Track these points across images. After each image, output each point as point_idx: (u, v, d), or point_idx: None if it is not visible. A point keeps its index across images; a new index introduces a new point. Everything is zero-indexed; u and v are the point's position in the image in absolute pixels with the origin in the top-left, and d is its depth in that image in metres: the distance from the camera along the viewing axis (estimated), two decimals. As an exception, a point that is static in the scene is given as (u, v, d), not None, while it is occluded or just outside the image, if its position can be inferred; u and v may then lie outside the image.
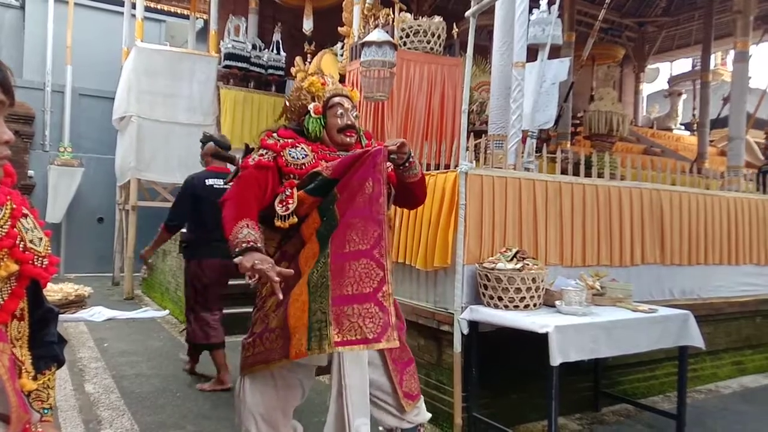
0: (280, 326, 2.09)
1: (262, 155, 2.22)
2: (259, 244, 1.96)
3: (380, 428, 2.43)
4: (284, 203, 2.17)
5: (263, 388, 2.20)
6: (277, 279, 1.89)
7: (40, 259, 1.25)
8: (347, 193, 2.12)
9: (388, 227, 2.52)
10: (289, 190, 2.18)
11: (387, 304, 2.01)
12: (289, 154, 2.21)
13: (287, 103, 2.45)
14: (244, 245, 1.93)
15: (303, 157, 2.22)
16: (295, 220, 2.16)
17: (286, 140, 2.26)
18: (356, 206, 2.09)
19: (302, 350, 1.99)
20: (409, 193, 2.45)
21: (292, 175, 2.20)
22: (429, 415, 2.51)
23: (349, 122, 2.34)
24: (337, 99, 2.35)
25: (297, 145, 2.26)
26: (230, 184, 2.33)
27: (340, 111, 2.33)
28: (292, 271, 2.02)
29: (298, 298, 2.06)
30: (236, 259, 1.92)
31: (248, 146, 2.46)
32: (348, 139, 2.35)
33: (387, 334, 1.98)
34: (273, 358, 2.12)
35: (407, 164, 2.29)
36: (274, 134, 2.30)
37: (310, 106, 2.33)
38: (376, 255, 2.03)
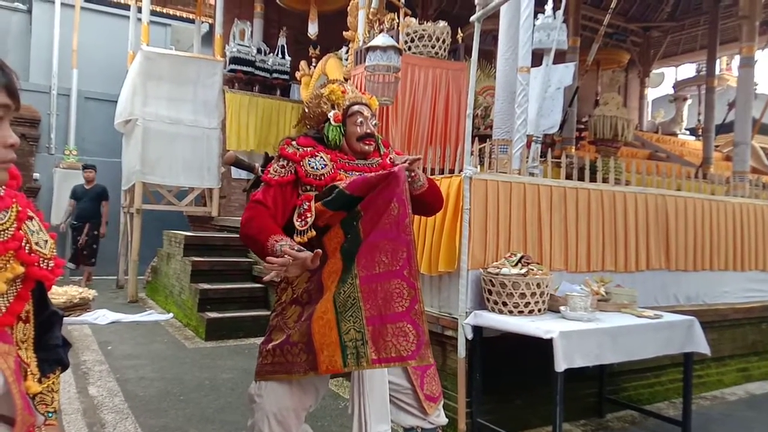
0: (303, 341, 2.11)
1: (283, 166, 2.24)
2: (294, 244, 2.04)
3: (400, 428, 2.43)
4: (302, 217, 2.19)
5: (279, 389, 2.21)
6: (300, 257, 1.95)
7: (45, 261, 1.25)
8: (371, 213, 2.13)
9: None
10: (307, 204, 2.19)
11: (419, 321, 2.07)
12: (309, 164, 2.22)
13: (306, 110, 2.45)
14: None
15: (322, 168, 2.23)
16: (314, 233, 2.17)
17: (305, 149, 2.27)
18: (382, 227, 2.11)
19: (336, 366, 2.05)
20: (419, 203, 2.45)
21: (309, 186, 2.21)
22: (446, 420, 2.52)
23: (368, 131, 2.33)
24: (356, 107, 2.35)
25: (316, 154, 2.26)
26: (251, 191, 2.35)
27: (359, 119, 2.33)
28: (319, 251, 2.03)
29: (322, 315, 2.08)
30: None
31: (267, 155, 2.47)
32: (367, 148, 2.34)
33: (421, 352, 2.06)
34: (296, 371, 2.14)
35: (410, 179, 2.27)
36: (293, 143, 2.30)
37: (330, 114, 2.33)
38: (406, 275, 2.09)
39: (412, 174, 2.27)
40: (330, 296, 2.09)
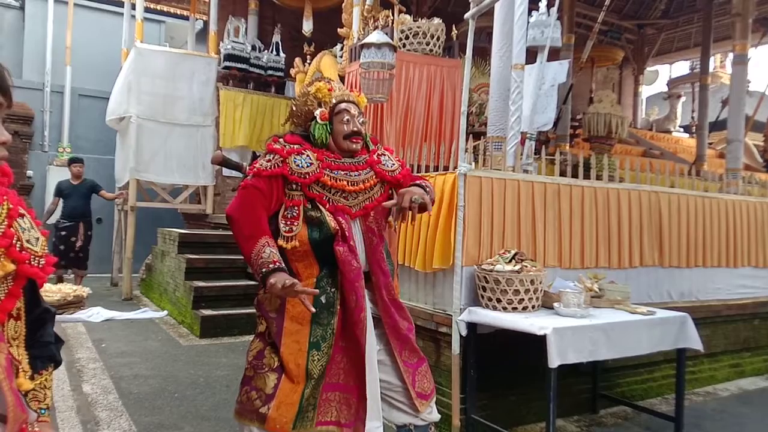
0: (265, 391, 2.17)
1: (269, 160, 2.23)
2: (282, 265, 2.03)
3: (393, 425, 2.45)
4: (290, 223, 2.20)
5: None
6: (303, 294, 1.94)
7: (36, 258, 1.25)
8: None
9: (394, 231, 2.56)
10: (296, 210, 2.20)
11: (363, 398, 2.20)
12: (294, 162, 2.22)
13: (293, 108, 2.44)
14: (271, 266, 2.00)
15: (307, 166, 2.22)
16: (297, 243, 2.19)
17: (292, 146, 2.26)
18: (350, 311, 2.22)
19: (286, 427, 2.12)
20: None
21: (295, 185, 2.21)
22: (439, 416, 2.54)
23: (355, 129, 2.32)
24: (343, 105, 2.34)
25: (303, 152, 2.26)
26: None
27: (346, 117, 2.32)
28: (316, 291, 2.07)
29: (294, 378, 2.16)
30: (269, 280, 1.98)
31: (255, 153, 2.48)
32: (354, 146, 2.33)
33: (355, 425, 2.20)
34: (250, 418, 2.18)
35: (423, 204, 2.25)
36: (281, 139, 2.30)
37: (317, 112, 2.32)
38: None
39: (425, 206, 2.25)
40: (303, 362, 2.15)
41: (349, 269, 2.19)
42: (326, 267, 2.22)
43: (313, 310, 1.92)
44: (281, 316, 2.20)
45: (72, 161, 8.34)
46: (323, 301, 2.19)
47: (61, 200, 8.10)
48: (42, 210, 9.28)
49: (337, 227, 2.20)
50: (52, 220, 8.18)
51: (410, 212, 2.21)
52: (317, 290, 2.09)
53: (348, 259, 2.20)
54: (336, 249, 2.19)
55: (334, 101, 2.34)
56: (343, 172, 2.28)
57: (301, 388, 2.13)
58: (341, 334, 2.23)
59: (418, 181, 2.37)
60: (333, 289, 2.22)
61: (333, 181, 2.24)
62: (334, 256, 2.20)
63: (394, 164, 2.43)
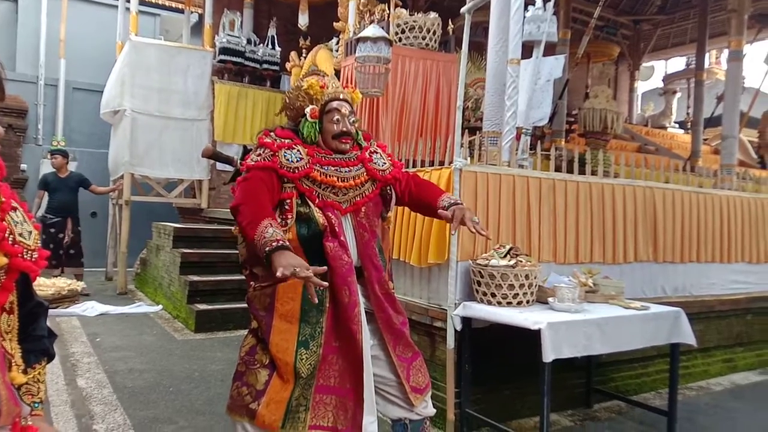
0: (255, 387, 2.16)
1: (260, 154, 2.22)
2: (287, 243, 1.93)
3: (388, 420, 2.45)
4: (284, 216, 2.19)
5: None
6: (310, 280, 1.82)
7: (29, 252, 1.24)
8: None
9: (387, 227, 2.56)
10: (289, 202, 2.19)
11: (361, 402, 2.18)
12: (284, 156, 2.20)
13: (286, 101, 2.42)
14: (274, 244, 1.89)
15: (297, 161, 2.20)
16: (290, 236, 2.17)
17: (283, 140, 2.25)
18: (342, 307, 2.21)
19: (274, 425, 2.10)
20: (429, 211, 2.52)
21: (286, 179, 2.20)
22: (434, 410, 2.53)
23: (344, 129, 2.29)
24: (335, 104, 2.30)
25: (293, 146, 2.24)
26: (230, 185, 2.35)
27: (336, 117, 2.28)
28: (325, 268, 1.98)
29: (283, 375, 2.15)
30: (272, 257, 1.86)
31: (246, 147, 2.46)
32: (343, 146, 2.31)
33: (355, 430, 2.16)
34: (239, 413, 2.18)
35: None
36: (272, 133, 2.28)
37: (307, 110, 2.30)
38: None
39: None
40: (291, 360, 2.13)
41: (339, 264, 2.18)
42: (316, 265, 2.20)
43: (316, 300, 1.90)
44: (270, 315, 2.19)
45: (52, 152, 7.97)
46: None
47: (47, 194, 7.80)
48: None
49: (326, 223, 2.19)
50: (37, 213, 7.90)
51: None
52: (324, 268, 1.98)
53: (338, 254, 2.18)
54: (325, 245, 2.18)
55: (325, 99, 2.31)
56: (333, 168, 2.26)
57: (290, 386, 2.12)
58: (333, 333, 2.20)
59: (452, 198, 2.50)
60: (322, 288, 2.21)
61: (323, 177, 2.22)
62: (323, 254, 2.18)
63: (385, 163, 2.42)
